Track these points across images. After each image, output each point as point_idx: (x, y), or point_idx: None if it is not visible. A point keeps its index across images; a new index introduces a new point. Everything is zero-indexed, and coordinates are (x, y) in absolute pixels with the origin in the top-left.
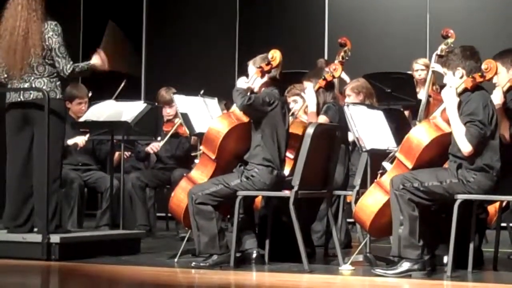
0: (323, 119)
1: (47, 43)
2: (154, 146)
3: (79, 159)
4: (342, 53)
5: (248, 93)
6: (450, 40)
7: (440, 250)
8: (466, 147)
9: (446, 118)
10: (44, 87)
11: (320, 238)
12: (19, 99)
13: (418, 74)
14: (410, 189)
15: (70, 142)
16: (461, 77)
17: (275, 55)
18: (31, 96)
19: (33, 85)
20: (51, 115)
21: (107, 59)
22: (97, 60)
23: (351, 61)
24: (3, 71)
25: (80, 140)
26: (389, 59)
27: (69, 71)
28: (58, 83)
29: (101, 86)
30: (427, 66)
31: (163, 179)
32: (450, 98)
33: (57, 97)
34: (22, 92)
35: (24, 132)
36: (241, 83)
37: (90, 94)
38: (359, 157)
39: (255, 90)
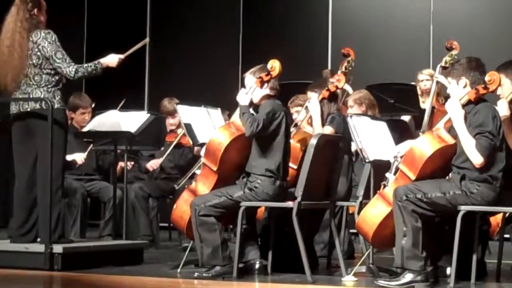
0: (328, 130)
1: (41, 53)
2: (154, 164)
3: (82, 169)
4: (346, 64)
5: (253, 115)
6: (454, 52)
7: (443, 262)
8: (477, 159)
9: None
10: (42, 97)
11: (323, 249)
12: (19, 111)
13: (424, 85)
14: (413, 200)
15: (68, 158)
16: (465, 87)
17: (274, 65)
18: (30, 106)
19: (31, 96)
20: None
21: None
22: (113, 60)
23: (354, 71)
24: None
25: (79, 157)
26: (392, 70)
27: (72, 73)
28: (56, 92)
29: (105, 96)
30: (432, 76)
31: (166, 189)
32: (455, 111)
33: (55, 106)
34: (21, 103)
35: (28, 142)
36: (242, 96)
37: (93, 105)
38: (362, 168)
39: (255, 101)
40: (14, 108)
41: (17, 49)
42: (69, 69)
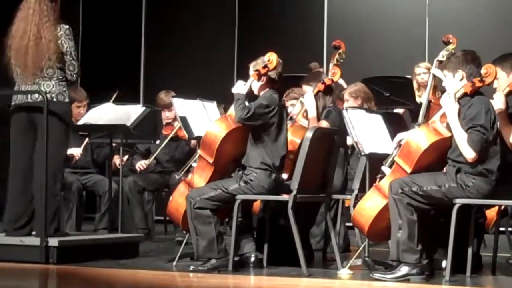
0: (324, 124)
1: (60, 47)
2: (141, 164)
3: (77, 162)
4: (337, 56)
5: (247, 102)
6: (451, 46)
7: (439, 255)
8: (469, 154)
9: (445, 123)
10: (53, 90)
11: (318, 242)
12: (26, 101)
13: (421, 78)
14: (408, 193)
15: None
16: (461, 80)
17: (271, 57)
18: (39, 98)
19: (42, 88)
20: (57, 119)
21: None
22: None
23: (350, 65)
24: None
25: (76, 152)
26: (388, 63)
27: (76, 77)
28: (66, 87)
29: (100, 90)
30: (429, 69)
31: (161, 182)
32: (449, 106)
33: (65, 100)
34: (30, 94)
35: (28, 134)
36: (239, 87)
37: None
38: (358, 162)
39: (255, 92)
40: (19, 98)
41: (45, 43)
42: (76, 72)
